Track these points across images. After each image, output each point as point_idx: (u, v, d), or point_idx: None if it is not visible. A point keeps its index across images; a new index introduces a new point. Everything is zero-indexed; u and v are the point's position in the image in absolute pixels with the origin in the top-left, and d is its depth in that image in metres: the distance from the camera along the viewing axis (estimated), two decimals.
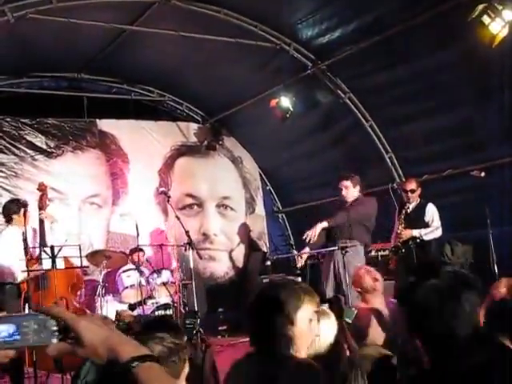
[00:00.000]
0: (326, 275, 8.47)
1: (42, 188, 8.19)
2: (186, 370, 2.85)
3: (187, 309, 9.46)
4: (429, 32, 8.72)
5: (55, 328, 1.50)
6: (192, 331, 7.95)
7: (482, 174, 8.26)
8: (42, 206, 7.98)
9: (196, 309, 8.54)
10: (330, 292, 8.11)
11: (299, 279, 10.66)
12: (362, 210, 8.54)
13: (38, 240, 7.87)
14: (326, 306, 4.20)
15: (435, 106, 9.50)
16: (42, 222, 7.93)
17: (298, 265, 8.71)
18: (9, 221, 7.90)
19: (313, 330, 2.95)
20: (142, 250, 9.87)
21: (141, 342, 1.55)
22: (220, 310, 11.84)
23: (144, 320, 5.59)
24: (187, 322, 8.22)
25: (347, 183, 8.64)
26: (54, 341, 1.50)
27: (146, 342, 2.63)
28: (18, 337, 1.48)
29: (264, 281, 10.63)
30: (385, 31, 8.88)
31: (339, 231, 8.39)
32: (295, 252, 8.56)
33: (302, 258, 8.72)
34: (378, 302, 5.60)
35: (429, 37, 8.82)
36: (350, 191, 8.65)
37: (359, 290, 5.80)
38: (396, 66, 9.56)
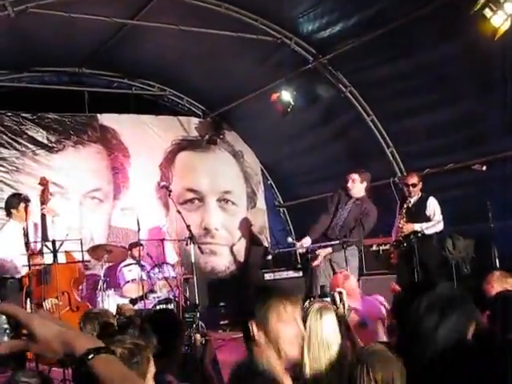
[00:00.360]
0: (323, 270, 8.44)
1: (43, 183, 8.21)
2: (152, 369, 2.81)
3: (188, 303, 9.47)
4: (430, 26, 8.69)
5: (6, 326, 1.49)
6: (192, 325, 7.97)
7: (484, 168, 8.26)
8: (43, 201, 7.99)
9: (197, 303, 8.56)
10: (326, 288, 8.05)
11: (301, 273, 10.71)
12: (371, 221, 8.58)
13: (39, 234, 7.88)
14: (327, 301, 4.20)
15: (436, 100, 9.47)
16: (43, 216, 7.94)
17: (316, 262, 8.54)
18: (9, 215, 7.91)
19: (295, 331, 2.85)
20: (142, 244, 9.86)
21: None
22: (221, 304, 11.84)
23: (145, 314, 5.59)
24: (187, 315, 8.24)
25: (355, 176, 8.58)
26: (5, 338, 1.49)
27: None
28: None
29: (265, 275, 10.63)
30: (386, 25, 8.83)
31: (338, 229, 8.39)
32: (297, 244, 8.47)
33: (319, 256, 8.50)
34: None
35: (430, 30, 8.80)
36: (357, 185, 8.59)
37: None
38: (397, 60, 9.53)
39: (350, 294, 5.55)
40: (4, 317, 1.49)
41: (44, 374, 3.10)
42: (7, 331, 1.49)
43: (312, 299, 4.86)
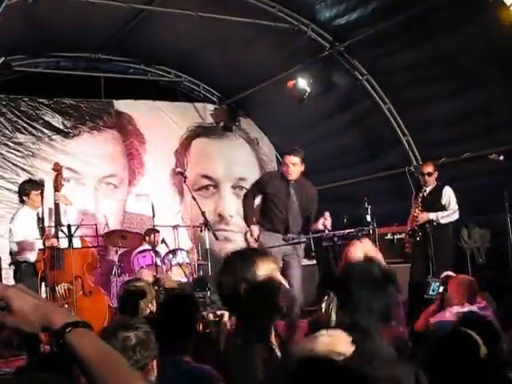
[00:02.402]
0: None
1: (57, 168, 8.18)
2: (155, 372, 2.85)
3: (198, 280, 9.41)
4: (448, 13, 8.60)
5: None
6: (204, 304, 7.92)
7: (501, 158, 8.19)
8: (57, 186, 7.98)
9: (208, 284, 8.53)
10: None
11: (314, 261, 10.70)
12: (315, 204, 7.86)
13: (53, 220, 7.90)
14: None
15: (453, 89, 9.40)
16: (57, 204, 7.94)
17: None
18: (22, 201, 7.93)
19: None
20: (157, 230, 9.89)
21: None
22: None
23: (184, 286, 5.51)
24: (199, 294, 8.19)
25: (296, 159, 7.53)
26: None
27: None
28: None
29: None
30: (403, 12, 8.76)
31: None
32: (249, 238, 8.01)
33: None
34: None
35: (448, 18, 8.71)
36: (297, 168, 7.58)
37: None
38: (414, 48, 9.46)
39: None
40: None
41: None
42: None
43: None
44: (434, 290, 6.55)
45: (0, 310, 1.48)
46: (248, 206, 7.93)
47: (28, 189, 7.80)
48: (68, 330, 1.44)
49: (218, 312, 3.96)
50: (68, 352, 1.44)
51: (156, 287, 5.35)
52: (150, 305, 4.38)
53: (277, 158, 13.65)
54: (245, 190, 12.93)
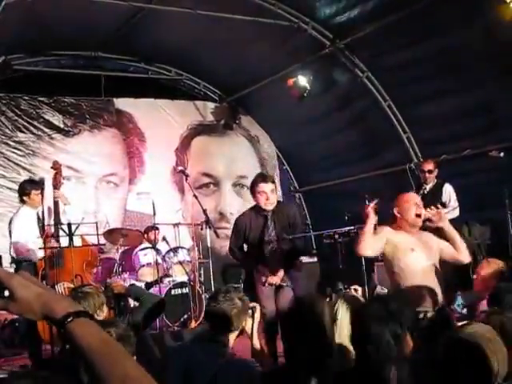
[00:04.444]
0: None
1: (56, 167, 8.17)
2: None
3: (203, 287, 9.46)
4: (448, 10, 8.60)
5: None
6: None
7: (501, 154, 8.19)
8: (56, 185, 7.97)
9: (213, 288, 8.54)
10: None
11: (315, 259, 10.71)
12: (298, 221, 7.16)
13: (53, 218, 7.90)
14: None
15: (454, 86, 9.40)
16: (56, 202, 7.94)
17: None
18: (22, 201, 7.92)
19: None
20: (157, 228, 9.89)
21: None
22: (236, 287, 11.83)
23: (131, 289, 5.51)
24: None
25: (272, 185, 6.70)
26: None
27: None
28: None
29: None
30: (403, 9, 8.75)
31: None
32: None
33: None
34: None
35: (447, 15, 8.71)
36: (275, 196, 6.76)
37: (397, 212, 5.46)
38: (415, 45, 9.45)
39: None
40: None
41: None
42: None
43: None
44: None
45: (4, 297, 1.49)
46: (241, 257, 7.03)
47: (29, 188, 7.79)
48: (69, 319, 1.45)
49: (251, 304, 3.99)
50: (69, 341, 1.44)
51: (108, 292, 5.32)
52: (98, 311, 4.38)
53: (277, 155, 13.66)
54: (245, 188, 13.00)
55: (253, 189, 6.69)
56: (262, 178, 6.78)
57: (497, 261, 5.64)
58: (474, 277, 5.54)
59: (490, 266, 5.45)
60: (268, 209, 6.60)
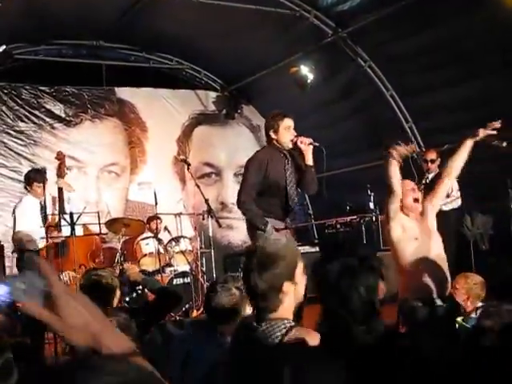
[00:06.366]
0: None
1: (59, 157, 8.20)
2: None
3: (205, 276, 9.45)
4: None
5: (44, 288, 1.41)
6: None
7: (504, 144, 8.15)
8: (60, 175, 7.99)
9: (214, 277, 8.54)
10: None
11: (317, 248, 10.69)
12: None
13: (57, 208, 7.91)
14: None
15: (457, 75, 9.36)
16: (60, 190, 7.95)
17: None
18: (26, 189, 7.93)
19: None
20: (159, 218, 9.89)
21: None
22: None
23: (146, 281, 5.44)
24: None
25: (292, 121, 6.51)
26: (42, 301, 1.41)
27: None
28: (9, 297, 1.44)
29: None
30: None
31: None
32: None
33: None
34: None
35: (451, 4, 8.65)
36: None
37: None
38: (417, 34, 9.40)
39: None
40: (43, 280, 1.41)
41: None
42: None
43: None
44: None
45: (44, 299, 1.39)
46: (253, 212, 6.43)
47: (32, 178, 7.82)
48: None
49: None
50: None
51: (120, 278, 5.29)
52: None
53: None
54: None
55: (274, 125, 6.10)
56: (283, 113, 6.26)
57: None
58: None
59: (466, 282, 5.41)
60: (289, 147, 6.15)
